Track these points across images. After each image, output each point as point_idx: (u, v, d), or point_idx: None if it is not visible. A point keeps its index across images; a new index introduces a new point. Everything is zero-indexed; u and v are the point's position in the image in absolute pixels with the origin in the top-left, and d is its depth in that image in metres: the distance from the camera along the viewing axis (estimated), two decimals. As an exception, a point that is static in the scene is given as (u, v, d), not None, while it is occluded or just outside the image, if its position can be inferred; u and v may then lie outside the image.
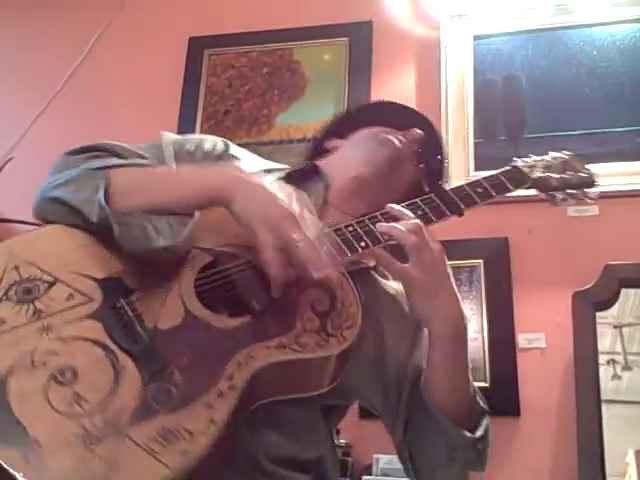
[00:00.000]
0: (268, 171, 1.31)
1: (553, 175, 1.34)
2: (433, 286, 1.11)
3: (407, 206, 1.19)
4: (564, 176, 1.34)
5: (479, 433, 1.15)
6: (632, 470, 2.10)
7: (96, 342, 0.97)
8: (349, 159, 1.32)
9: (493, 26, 2.72)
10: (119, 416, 0.90)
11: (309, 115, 2.81)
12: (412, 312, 1.17)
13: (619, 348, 2.22)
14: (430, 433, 1.16)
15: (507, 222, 2.34)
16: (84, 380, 0.93)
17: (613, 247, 2.24)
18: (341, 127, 1.41)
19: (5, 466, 0.84)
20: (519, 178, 1.30)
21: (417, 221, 1.14)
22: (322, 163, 1.35)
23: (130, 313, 1.00)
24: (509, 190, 1.27)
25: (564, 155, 1.38)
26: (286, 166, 1.37)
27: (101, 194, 1.04)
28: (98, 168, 1.10)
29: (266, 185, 1.06)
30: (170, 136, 1.30)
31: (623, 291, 2.19)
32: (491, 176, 1.28)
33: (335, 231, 1.14)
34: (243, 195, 1.03)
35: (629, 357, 2.21)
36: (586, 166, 1.37)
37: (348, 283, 1.09)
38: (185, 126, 2.91)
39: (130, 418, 0.90)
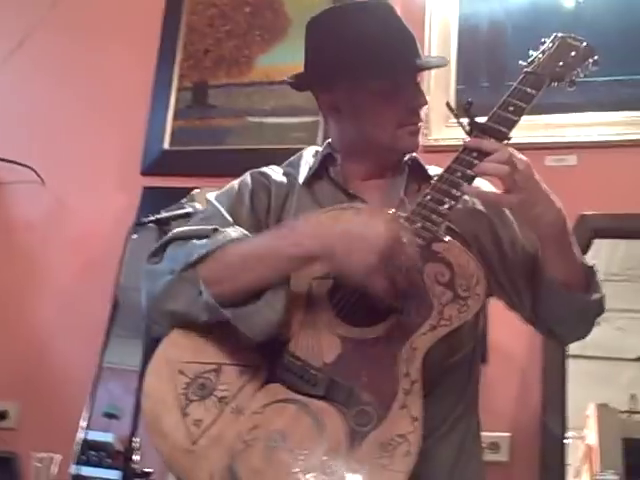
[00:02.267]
0: (291, 166, 1.41)
1: (560, 63, 1.34)
2: (531, 200, 1.18)
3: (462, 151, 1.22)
4: (568, 60, 1.35)
5: (598, 292, 1.30)
6: (591, 423, 2.14)
7: (285, 400, 1.08)
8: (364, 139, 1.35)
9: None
10: (336, 451, 1.01)
11: (290, 57, 2.74)
12: (524, 225, 1.30)
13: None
14: (560, 305, 1.28)
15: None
16: (292, 437, 1.04)
17: (589, 197, 2.23)
18: (326, 74, 1.36)
19: None
20: (537, 80, 1.30)
21: (505, 149, 1.18)
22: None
23: (298, 363, 1.10)
24: (534, 96, 1.28)
25: (555, 38, 1.38)
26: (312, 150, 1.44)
27: (206, 295, 1.12)
28: (186, 267, 1.16)
29: (358, 227, 1.11)
30: (213, 195, 1.38)
31: (596, 242, 2.20)
32: (513, 90, 1.29)
33: (418, 206, 1.19)
34: (341, 250, 1.09)
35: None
36: (578, 38, 1.38)
37: (455, 245, 1.17)
38: (164, 64, 2.87)
39: (348, 448, 1.01)
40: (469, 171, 1.18)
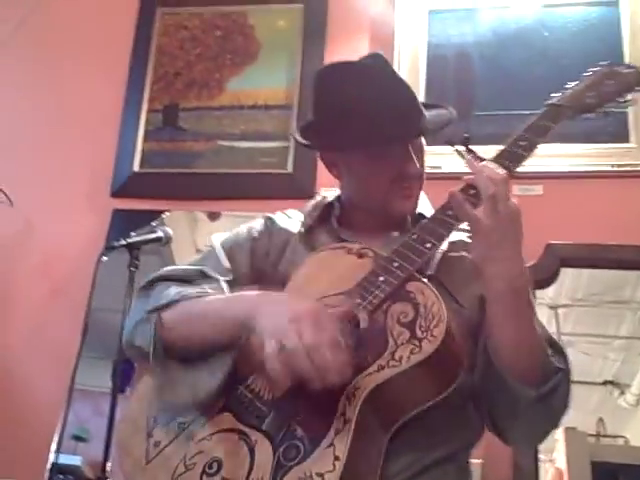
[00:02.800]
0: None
1: (591, 94, 1.29)
2: (499, 237, 1.08)
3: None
4: (603, 89, 1.29)
5: (544, 390, 1.14)
6: (560, 446, 2.16)
7: (230, 430, 1.11)
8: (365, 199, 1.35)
9: (448, 2, 2.73)
10: None
11: (261, 81, 2.79)
12: (471, 256, 1.17)
13: (554, 328, 2.28)
14: (494, 383, 1.17)
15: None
16: (228, 465, 1.07)
17: (555, 227, 2.29)
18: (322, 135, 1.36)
19: None
20: (556, 113, 1.27)
21: (503, 172, 1.11)
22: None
23: (249, 395, 1.12)
24: (550, 128, 1.24)
25: (599, 68, 1.32)
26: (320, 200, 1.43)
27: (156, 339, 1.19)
28: (153, 310, 1.23)
29: (286, 302, 1.12)
30: (219, 238, 1.41)
31: (562, 270, 2.25)
32: (528, 125, 1.25)
33: (401, 245, 1.17)
34: (262, 320, 1.09)
35: (563, 337, 2.27)
36: (630, 65, 1.32)
37: (426, 285, 1.12)
38: (134, 85, 2.87)
39: None
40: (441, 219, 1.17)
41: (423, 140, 1.33)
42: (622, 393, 2.27)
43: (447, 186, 1.35)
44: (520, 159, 1.20)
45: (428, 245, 1.16)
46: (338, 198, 1.42)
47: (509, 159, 1.20)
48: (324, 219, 1.39)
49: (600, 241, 2.29)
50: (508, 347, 1.14)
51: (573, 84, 1.33)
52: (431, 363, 1.06)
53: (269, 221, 1.43)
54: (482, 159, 1.19)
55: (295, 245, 1.36)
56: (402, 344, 1.07)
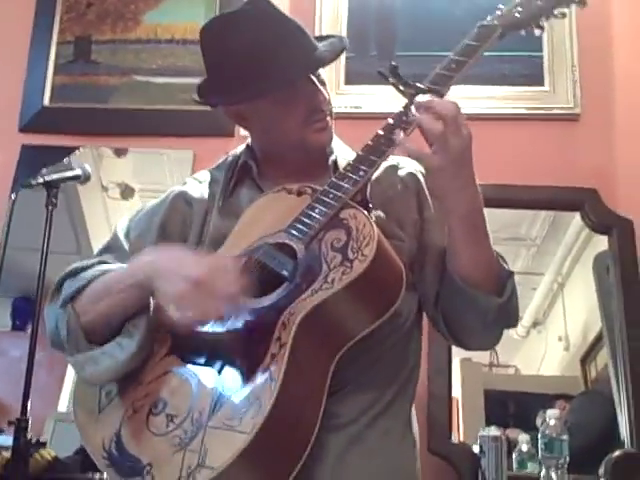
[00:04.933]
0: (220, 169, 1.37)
1: (519, 9, 1.29)
2: (453, 170, 1.11)
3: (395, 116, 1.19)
4: (532, 5, 1.29)
5: (506, 295, 1.20)
6: (456, 377, 2.24)
7: (174, 370, 1.13)
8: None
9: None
10: (201, 414, 1.05)
11: (179, 15, 2.71)
12: (430, 191, 1.22)
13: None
14: (460, 303, 1.21)
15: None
16: (172, 403, 1.10)
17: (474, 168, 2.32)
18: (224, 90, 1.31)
19: None
20: (485, 32, 1.27)
21: (451, 104, 1.10)
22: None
23: (191, 334, 1.11)
24: (479, 48, 1.24)
25: None
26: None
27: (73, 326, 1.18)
28: (64, 303, 1.21)
29: (172, 260, 1.12)
30: (122, 225, 1.37)
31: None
32: (457, 48, 1.25)
33: (336, 176, 1.18)
34: (158, 282, 1.10)
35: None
36: None
37: (357, 210, 1.13)
38: (43, 15, 2.76)
39: (209, 411, 1.04)
40: (394, 136, 1.16)
41: (322, 73, 1.32)
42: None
43: (367, 126, 1.35)
44: (448, 80, 1.20)
45: (361, 173, 1.17)
46: (250, 153, 1.37)
47: (437, 82, 1.20)
48: (241, 179, 1.36)
49: (513, 182, 2.35)
50: (472, 265, 1.19)
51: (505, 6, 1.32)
52: (365, 282, 1.07)
53: (183, 199, 1.36)
54: (415, 86, 1.20)
55: (217, 211, 1.32)
56: (334, 267, 1.08)
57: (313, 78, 1.28)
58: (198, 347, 1.12)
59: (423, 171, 1.30)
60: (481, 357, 2.30)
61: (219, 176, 1.37)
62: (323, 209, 1.15)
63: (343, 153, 1.35)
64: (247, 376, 1.05)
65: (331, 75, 2.50)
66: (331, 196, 1.16)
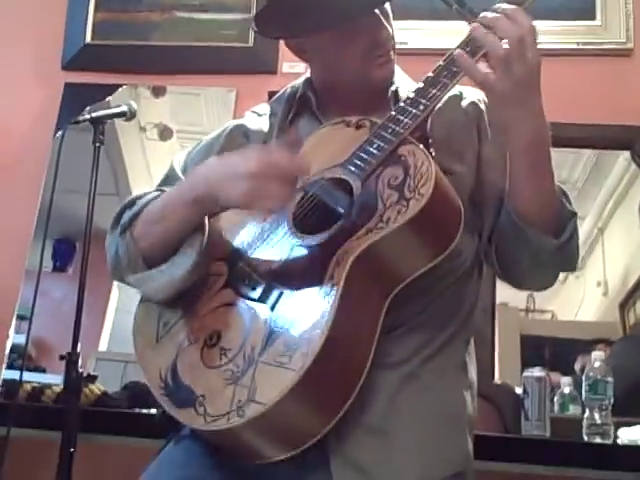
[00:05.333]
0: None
1: None
2: (516, 96, 1.06)
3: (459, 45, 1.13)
4: None
5: (564, 237, 1.17)
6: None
7: (229, 304, 1.14)
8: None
9: None
10: (254, 350, 1.06)
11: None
12: (491, 120, 1.18)
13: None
14: (514, 240, 1.18)
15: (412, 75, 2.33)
16: (226, 336, 1.10)
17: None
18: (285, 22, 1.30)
19: (184, 422, 1.09)
20: None
21: (518, 24, 1.05)
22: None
23: (247, 269, 1.15)
24: None
25: None
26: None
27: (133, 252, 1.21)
28: (122, 230, 1.23)
29: (227, 161, 1.13)
30: (179, 158, 1.38)
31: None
32: None
33: (396, 110, 1.15)
34: (216, 187, 1.11)
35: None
36: None
37: (416, 147, 1.10)
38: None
39: (261, 347, 1.05)
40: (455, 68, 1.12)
41: (388, 6, 1.27)
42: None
43: (414, 62, 1.32)
44: (521, 2, 1.14)
45: (421, 107, 1.13)
46: (309, 86, 1.36)
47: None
48: (300, 110, 1.35)
49: (562, 120, 2.29)
50: (531, 202, 1.15)
51: None
52: (421, 222, 1.05)
53: (240, 130, 1.36)
54: (476, 14, 1.14)
55: (275, 144, 1.31)
56: (390, 206, 1.07)
57: (377, 11, 1.24)
58: (253, 281, 1.13)
59: (487, 101, 1.28)
60: (517, 302, 2.29)
61: (278, 108, 1.36)
62: (381, 144, 1.13)
63: (404, 84, 1.32)
64: (300, 312, 1.05)
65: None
66: (390, 131, 1.13)
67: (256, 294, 1.11)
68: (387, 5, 1.27)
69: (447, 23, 2.31)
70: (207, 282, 1.18)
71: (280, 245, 1.15)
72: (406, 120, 1.13)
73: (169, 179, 1.34)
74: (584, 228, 2.38)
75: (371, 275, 1.07)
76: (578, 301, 2.34)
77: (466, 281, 1.26)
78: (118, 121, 2.13)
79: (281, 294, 1.09)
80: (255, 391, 1.01)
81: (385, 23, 1.26)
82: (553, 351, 2.26)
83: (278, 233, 1.17)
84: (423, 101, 1.14)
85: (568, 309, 2.35)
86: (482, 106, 1.31)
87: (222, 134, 1.37)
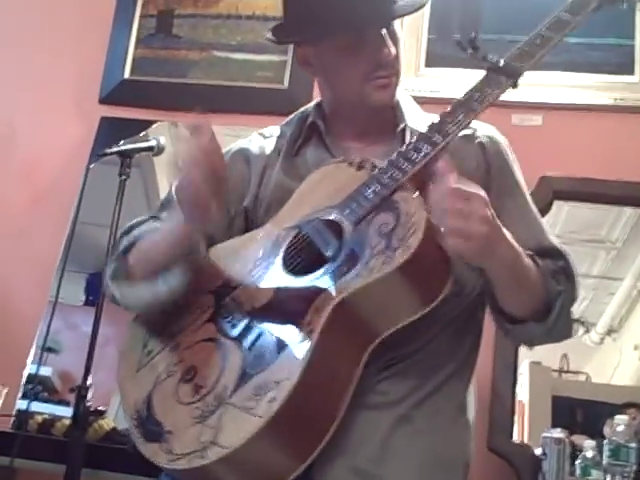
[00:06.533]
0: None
1: None
2: (485, 251, 1.03)
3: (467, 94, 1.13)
4: None
5: (551, 319, 1.14)
6: (524, 380, 2.20)
7: (209, 339, 1.12)
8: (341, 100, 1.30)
9: None
10: (225, 390, 1.04)
11: (261, -8, 2.69)
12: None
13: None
14: (508, 334, 1.20)
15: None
16: (201, 372, 1.09)
17: (552, 159, 2.25)
18: (293, 29, 1.30)
19: (148, 457, 1.06)
20: (579, 4, 1.18)
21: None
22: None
23: (232, 305, 1.14)
24: (570, 23, 1.16)
25: None
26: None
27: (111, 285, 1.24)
28: (118, 257, 1.25)
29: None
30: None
31: (556, 203, 2.22)
32: (548, 20, 1.17)
33: (397, 154, 1.13)
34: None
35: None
36: None
37: (411, 194, 1.08)
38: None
39: (232, 388, 1.03)
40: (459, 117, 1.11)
41: (397, 28, 1.26)
42: (587, 331, 2.29)
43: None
44: (529, 58, 1.14)
45: (422, 154, 1.10)
46: (319, 112, 1.34)
47: (520, 59, 1.14)
48: (308, 137, 1.33)
49: (597, 176, 2.26)
50: (512, 305, 1.15)
51: None
52: (405, 274, 1.02)
53: (241, 154, 1.35)
54: (490, 61, 1.14)
55: (279, 169, 1.31)
56: (377, 254, 1.04)
57: (384, 32, 1.23)
58: (235, 318, 1.12)
59: (502, 140, 1.28)
60: (551, 362, 2.25)
61: (287, 131, 1.35)
62: (378, 188, 1.10)
63: (415, 121, 1.29)
64: (274, 356, 1.03)
65: (411, 57, 2.45)
66: (388, 175, 1.11)
67: (236, 332, 1.10)
68: (397, 29, 1.26)
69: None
70: (194, 314, 1.17)
71: (268, 283, 1.14)
72: (406, 165, 1.11)
73: (166, 204, 1.33)
74: (623, 288, 2.33)
75: (351, 324, 1.04)
76: (614, 364, 2.29)
77: (467, 319, 1.23)
78: (157, 158, 2.15)
79: (260, 335, 1.07)
80: (219, 433, 1.00)
81: (390, 44, 1.23)
82: (585, 414, 2.21)
83: (268, 270, 1.16)
84: (425, 147, 1.11)
85: (603, 372, 2.30)
86: (495, 146, 1.28)
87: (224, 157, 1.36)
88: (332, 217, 1.13)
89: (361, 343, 1.05)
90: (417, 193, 1.08)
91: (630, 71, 2.38)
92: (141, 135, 2.49)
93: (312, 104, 1.37)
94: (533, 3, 2.45)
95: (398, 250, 1.02)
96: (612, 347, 2.27)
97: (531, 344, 1.26)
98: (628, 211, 2.36)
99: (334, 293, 1.03)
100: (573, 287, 1.19)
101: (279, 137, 1.36)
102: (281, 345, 1.03)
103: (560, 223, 2.29)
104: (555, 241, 1.23)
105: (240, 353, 1.07)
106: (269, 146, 1.35)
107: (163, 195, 1.34)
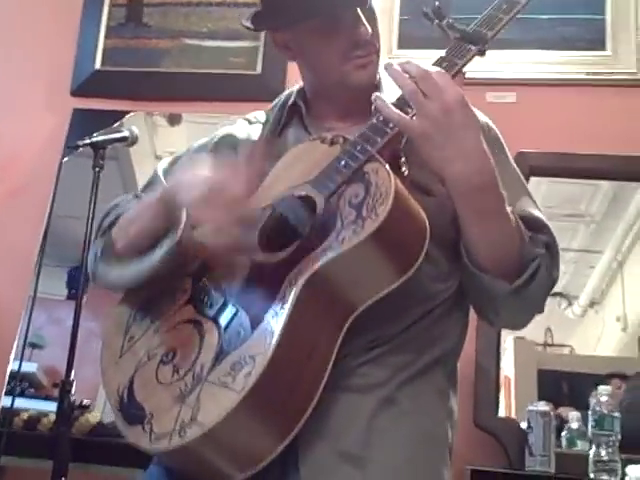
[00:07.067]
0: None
1: None
2: (440, 138, 1.03)
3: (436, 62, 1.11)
4: None
5: (519, 282, 1.10)
6: (509, 355, 2.22)
7: (188, 320, 1.13)
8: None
9: None
10: (202, 369, 1.04)
11: (231, -22, 2.67)
12: (424, 164, 1.10)
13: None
14: (468, 282, 1.15)
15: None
16: (180, 353, 1.09)
17: (528, 135, 2.25)
18: (269, 14, 1.28)
19: (132, 441, 1.05)
20: None
21: (420, 66, 1.04)
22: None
23: (208, 285, 1.14)
24: None
25: None
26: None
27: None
28: (102, 233, 1.27)
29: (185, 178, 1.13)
30: (163, 164, 1.37)
31: (533, 179, 2.23)
32: None
33: (367, 127, 1.12)
34: (177, 195, 1.11)
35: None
36: None
37: (380, 164, 1.07)
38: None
39: (209, 366, 1.04)
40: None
41: (374, 6, 1.24)
42: (570, 304, 2.30)
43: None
44: (496, 23, 1.12)
45: (391, 124, 1.09)
46: (301, 94, 1.33)
47: (486, 25, 1.12)
48: (290, 119, 1.33)
49: (572, 150, 2.27)
50: (478, 244, 1.11)
51: None
52: (376, 243, 1.02)
53: (229, 138, 1.34)
54: (459, 29, 1.13)
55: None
56: (347, 225, 1.03)
57: (359, 10, 1.21)
58: (211, 298, 1.12)
59: (497, 130, 1.27)
60: (535, 336, 2.26)
61: (272, 117, 1.35)
62: (348, 162, 1.10)
63: (391, 95, 1.24)
64: (249, 332, 1.03)
65: (384, 38, 2.39)
66: (358, 148, 1.10)
67: (212, 312, 1.10)
68: (375, 8, 1.24)
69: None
70: (174, 297, 1.17)
71: (243, 261, 1.14)
72: (375, 137, 1.10)
73: (151, 184, 1.34)
74: (603, 261, 2.35)
75: (326, 297, 1.04)
76: (597, 336, 2.31)
77: (452, 308, 1.21)
78: (133, 149, 2.13)
79: (236, 312, 1.07)
80: (198, 411, 1.00)
81: (366, 24, 1.22)
82: (571, 386, 2.24)
83: (242, 249, 1.15)
84: None
85: (587, 344, 2.32)
86: (496, 134, 1.28)
87: (210, 142, 1.36)
88: (305, 192, 1.13)
89: (338, 316, 1.05)
90: (387, 164, 1.07)
91: (602, 46, 2.40)
92: (115, 126, 2.47)
93: (295, 87, 1.36)
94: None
95: (367, 220, 1.01)
96: (595, 319, 2.29)
97: (496, 311, 1.17)
98: (605, 184, 2.38)
99: (307, 266, 1.03)
100: (553, 263, 1.17)
101: (264, 123, 1.35)
102: (256, 321, 1.03)
103: (539, 199, 2.28)
104: (544, 218, 1.22)
105: (217, 332, 1.07)
106: (255, 132, 1.34)
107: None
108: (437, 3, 1.16)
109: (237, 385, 0.97)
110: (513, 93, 2.37)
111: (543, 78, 2.37)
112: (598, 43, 2.40)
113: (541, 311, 1.20)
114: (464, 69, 1.13)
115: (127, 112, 2.58)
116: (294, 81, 1.37)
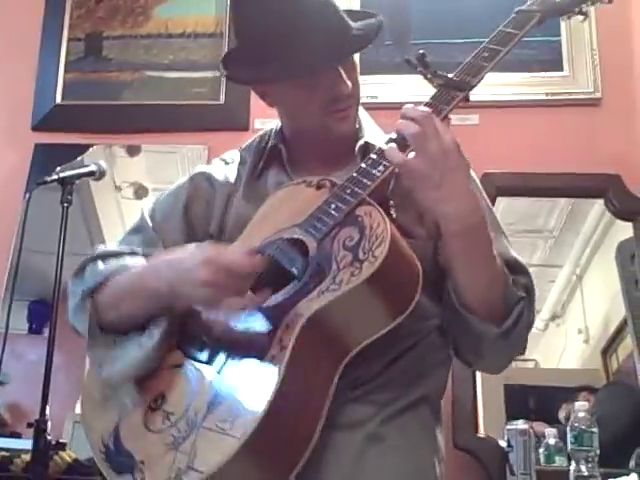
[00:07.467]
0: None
1: None
2: (437, 178, 1.03)
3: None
4: None
5: (507, 324, 1.11)
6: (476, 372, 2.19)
7: (177, 365, 1.11)
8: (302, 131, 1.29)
9: None
10: (197, 415, 1.02)
11: (190, 8, 2.69)
12: (417, 206, 1.11)
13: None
14: (455, 324, 1.15)
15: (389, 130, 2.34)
16: (171, 399, 1.07)
17: (491, 156, 2.28)
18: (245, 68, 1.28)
19: None
20: (523, 19, 1.21)
21: (424, 109, 1.07)
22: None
23: (197, 329, 1.11)
24: (515, 36, 1.19)
25: None
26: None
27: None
28: (86, 293, 1.19)
29: (181, 269, 1.08)
30: (149, 206, 1.35)
31: (499, 199, 2.26)
32: (492, 35, 1.20)
33: (356, 171, 1.13)
34: (182, 297, 1.09)
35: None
36: None
37: (374, 208, 1.08)
38: (52, 12, 2.72)
39: (204, 413, 1.01)
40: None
41: (355, 59, 1.25)
42: (532, 318, 2.33)
43: (384, 116, 1.30)
44: (479, 71, 1.15)
45: (381, 168, 1.11)
46: (280, 136, 1.33)
47: (469, 73, 1.15)
48: (269, 162, 1.32)
49: (537, 170, 2.31)
50: (466, 285, 1.12)
51: None
52: (374, 285, 1.02)
53: (206, 181, 1.33)
54: (443, 76, 1.15)
55: (242, 196, 1.29)
56: (344, 267, 1.03)
57: (339, 67, 1.21)
58: (202, 343, 1.10)
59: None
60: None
61: (247, 157, 1.34)
62: (339, 205, 1.11)
63: (374, 137, 1.29)
64: (246, 377, 1.01)
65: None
66: (349, 191, 1.11)
67: (204, 356, 1.08)
68: (355, 58, 1.25)
69: (416, 77, 2.32)
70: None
71: (236, 303, 1.10)
72: (365, 181, 1.11)
73: (138, 229, 1.32)
74: (562, 275, 2.38)
75: (323, 339, 1.03)
76: (560, 349, 2.34)
77: (432, 346, 1.20)
78: (93, 181, 2.10)
79: (229, 357, 1.05)
80: (195, 458, 0.98)
81: (346, 78, 1.21)
82: (537, 400, 2.25)
83: None
84: (383, 162, 1.12)
85: (550, 357, 2.34)
86: None
87: (188, 182, 1.35)
88: (296, 236, 1.12)
89: (334, 358, 1.04)
90: (377, 206, 1.09)
91: (559, 67, 2.45)
92: (77, 160, 2.45)
93: (271, 128, 1.36)
94: (460, 8, 2.51)
95: (365, 262, 1.02)
96: (557, 332, 2.32)
97: (479, 353, 1.18)
98: (562, 201, 2.43)
99: (304, 309, 1.02)
100: (531, 306, 1.18)
101: (240, 164, 1.34)
102: (252, 365, 1.02)
103: (498, 215, 2.31)
104: (522, 260, 1.23)
105: (210, 377, 1.05)
106: (231, 173, 1.33)
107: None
108: (421, 51, 1.17)
109: (237, 431, 0.95)
110: (475, 115, 2.40)
111: (504, 100, 2.41)
112: (556, 64, 2.45)
113: (523, 352, 1.21)
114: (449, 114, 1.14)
115: (89, 145, 2.56)
116: (258, 111, 1.37)
